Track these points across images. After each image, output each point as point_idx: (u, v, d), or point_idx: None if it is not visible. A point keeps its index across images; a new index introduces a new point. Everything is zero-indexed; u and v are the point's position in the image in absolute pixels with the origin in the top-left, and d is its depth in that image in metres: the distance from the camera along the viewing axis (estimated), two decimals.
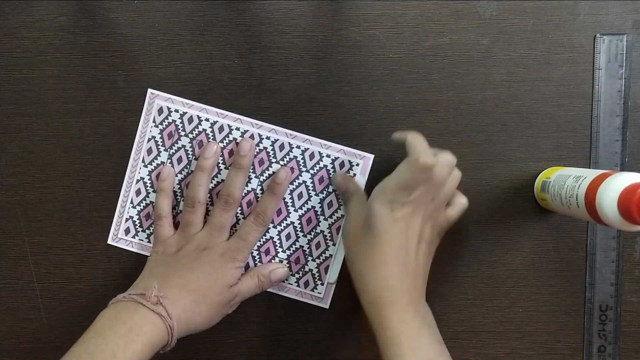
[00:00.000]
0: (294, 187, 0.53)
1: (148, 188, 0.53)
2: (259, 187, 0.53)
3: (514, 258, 0.53)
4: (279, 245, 0.53)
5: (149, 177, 0.53)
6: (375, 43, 0.52)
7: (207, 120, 0.52)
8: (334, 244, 0.53)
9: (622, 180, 0.40)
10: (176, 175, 0.53)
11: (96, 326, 0.44)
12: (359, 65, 0.52)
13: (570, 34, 0.52)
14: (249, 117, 0.52)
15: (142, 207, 0.53)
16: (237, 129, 0.52)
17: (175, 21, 0.52)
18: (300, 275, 0.53)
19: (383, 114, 0.53)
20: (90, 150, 0.53)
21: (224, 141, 0.53)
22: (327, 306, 0.53)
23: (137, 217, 0.53)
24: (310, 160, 0.52)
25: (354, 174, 0.52)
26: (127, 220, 0.53)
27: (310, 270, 0.53)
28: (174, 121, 0.53)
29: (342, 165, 0.52)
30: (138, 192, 0.53)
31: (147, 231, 0.53)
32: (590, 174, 0.43)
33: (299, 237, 0.53)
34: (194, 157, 0.53)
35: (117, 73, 0.53)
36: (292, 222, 0.53)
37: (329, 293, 0.53)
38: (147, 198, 0.53)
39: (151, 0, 0.52)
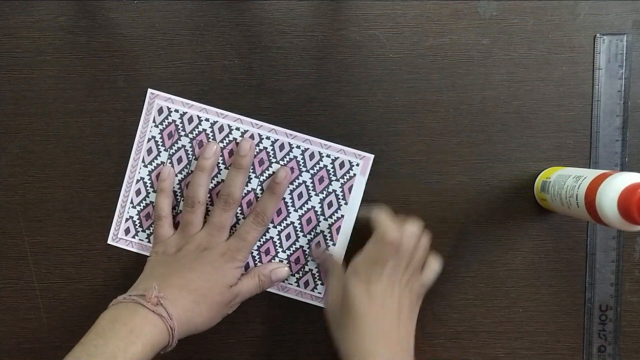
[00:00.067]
0: (294, 187, 0.53)
1: (148, 188, 0.53)
2: (259, 187, 0.53)
3: (514, 258, 0.53)
4: (279, 245, 0.53)
5: (149, 177, 0.53)
6: (375, 43, 0.52)
7: (207, 120, 0.52)
8: (333, 244, 0.53)
9: (622, 180, 0.40)
10: (176, 175, 0.53)
11: (97, 328, 0.44)
12: (359, 65, 0.52)
13: (570, 34, 0.52)
14: (249, 117, 0.52)
15: (142, 207, 0.53)
16: (237, 129, 0.52)
17: (175, 21, 0.52)
18: (300, 275, 0.53)
19: (383, 114, 0.53)
20: (90, 150, 0.53)
21: (224, 141, 0.53)
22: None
23: (137, 217, 0.53)
24: (310, 160, 0.52)
25: (354, 174, 0.52)
26: (127, 220, 0.53)
27: (310, 270, 0.53)
28: (174, 121, 0.53)
29: (342, 165, 0.52)
30: (138, 192, 0.53)
31: (147, 231, 0.53)
32: (590, 174, 0.43)
33: (299, 237, 0.53)
34: (194, 157, 0.53)
35: (117, 73, 0.53)
36: (292, 222, 0.53)
37: None
38: (147, 198, 0.53)
39: (151, 0, 0.52)
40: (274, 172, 0.52)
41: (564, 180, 0.46)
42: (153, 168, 0.53)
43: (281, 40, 0.52)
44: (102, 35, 0.52)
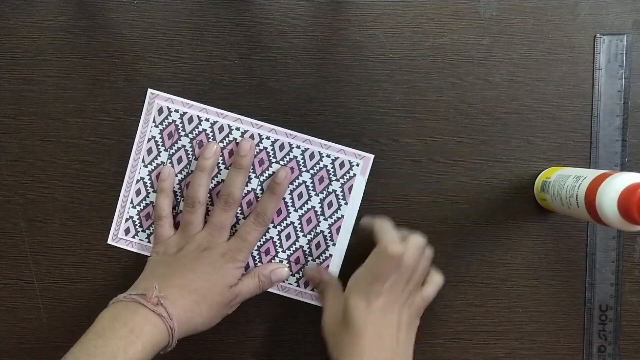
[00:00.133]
0: (294, 187, 0.53)
1: (148, 188, 0.53)
2: (259, 187, 0.53)
3: (514, 258, 0.53)
4: (279, 245, 0.53)
5: (149, 177, 0.53)
6: (375, 43, 0.52)
7: (207, 120, 0.52)
8: (334, 244, 0.53)
9: (622, 180, 0.40)
10: (176, 175, 0.53)
11: (96, 327, 0.44)
12: (359, 65, 0.52)
13: (570, 34, 0.52)
14: (249, 117, 0.52)
15: (142, 207, 0.53)
16: (237, 129, 0.52)
17: (175, 21, 0.52)
18: (300, 275, 0.53)
19: (383, 114, 0.53)
20: (90, 150, 0.53)
21: (224, 141, 0.53)
22: None
23: (137, 217, 0.53)
24: (310, 160, 0.52)
25: (354, 174, 0.52)
26: (127, 220, 0.53)
27: None
28: (174, 121, 0.53)
29: (342, 165, 0.52)
30: (138, 192, 0.53)
31: (147, 231, 0.53)
32: (590, 174, 0.43)
33: (299, 237, 0.53)
34: (194, 157, 0.53)
35: (117, 73, 0.53)
36: (292, 222, 0.53)
37: None
38: (147, 198, 0.53)
39: (151, 0, 0.52)
40: (274, 172, 0.52)
41: (564, 180, 0.46)
42: (153, 168, 0.53)
43: (281, 40, 0.52)
44: (102, 35, 0.52)
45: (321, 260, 0.53)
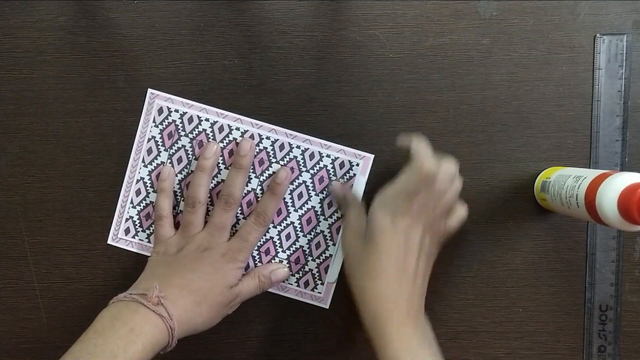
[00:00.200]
0: (294, 187, 0.53)
1: (148, 188, 0.53)
2: (259, 187, 0.53)
3: (514, 258, 0.53)
4: (279, 245, 0.53)
5: (149, 177, 0.53)
6: (375, 43, 0.52)
7: (207, 120, 0.52)
8: (334, 244, 0.53)
9: (622, 180, 0.40)
10: (176, 175, 0.53)
11: (96, 326, 0.44)
12: (359, 65, 0.52)
13: (570, 34, 0.52)
14: (249, 117, 0.52)
15: (142, 207, 0.53)
16: (237, 129, 0.52)
17: (175, 21, 0.52)
18: (300, 275, 0.53)
19: (383, 114, 0.53)
20: (90, 150, 0.53)
21: (224, 141, 0.53)
22: (327, 306, 0.53)
23: (137, 217, 0.53)
24: (310, 160, 0.52)
25: (354, 174, 0.52)
26: (127, 220, 0.53)
27: (310, 270, 0.53)
28: (174, 121, 0.53)
29: (342, 165, 0.52)
30: (138, 192, 0.53)
31: (147, 231, 0.53)
32: (590, 174, 0.43)
33: (299, 237, 0.53)
34: (194, 157, 0.53)
35: (117, 73, 0.53)
36: (292, 222, 0.53)
37: (329, 293, 0.53)
38: (147, 198, 0.53)
39: (151, 0, 0.52)
40: (274, 172, 0.52)
41: (564, 180, 0.46)
42: (153, 168, 0.53)
43: (281, 40, 0.52)
44: (102, 35, 0.52)
45: (321, 260, 0.53)
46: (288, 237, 0.53)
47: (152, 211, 0.53)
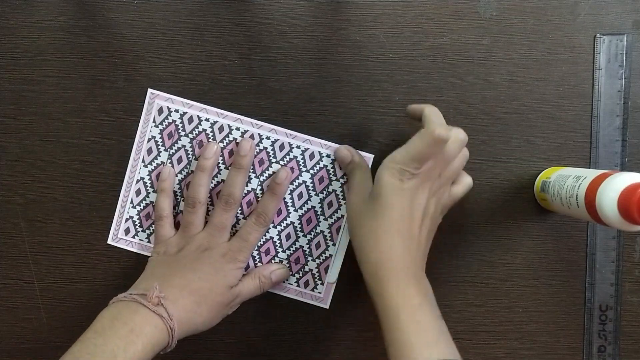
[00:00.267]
0: (294, 187, 0.53)
1: (148, 188, 0.53)
2: (259, 187, 0.53)
3: (514, 258, 0.53)
4: (279, 245, 0.53)
5: (149, 177, 0.53)
6: (375, 43, 0.52)
7: (207, 120, 0.52)
8: (334, 244, 0.53)
9: (622, 180, 0.40)
10: (176, 175, 0.53)
11: (96, 326, 0.44)
12: (359, 65, 0.52)
13: (570, 34, 0.52)
14: (249, 117, 0.52)
15: (142, 207, 0.53)
16: (237, 129, 0.52)
17: (175, 21, 0.52)
18: (300, 275, 0.53)
19: (383, 114, 0.53)
20: (90, 150, 0.53)
21: (224, 141, 0.53)
22: (327, 306, 0.53)
23: (137, 217, 0.53)
24: (310, 160, 0.52)
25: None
26: (127, 220, 0.53)
27: (310, 270, 0.53)
28: (174, 121, 0.53)
29: None
30: (138, 192, 0.53)
31: (147, 231, 0.53)
32: (590, 174, 0.43)
33: (299, 237, 0.53)
34: (194, 157, 0.53)
35: (117, 73, 0.53)
36: (292, 222, 0.53)
37: (329, 293, 0.53)
38: (147, 198, 0.53)
39: (151, 0, 0.52)
40: (274, 172, 0.52)
41: (564, 180, 0.46)
42: (153, 168, 0.53)
43: (281, 40, 0.52)
44: (102, 35, 0.52)
45: (321, 260, 0.53)
46: (288, 237, 0.53)
47: (152, 211, 0.53)
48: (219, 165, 0.53)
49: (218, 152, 0.52)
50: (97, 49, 0.53)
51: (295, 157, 0.52)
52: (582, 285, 0.53)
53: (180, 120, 0.53)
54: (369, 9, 0.52)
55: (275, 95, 0.53)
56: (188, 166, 0.53)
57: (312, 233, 0.53)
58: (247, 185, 0.52)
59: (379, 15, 0.52)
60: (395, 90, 0.52)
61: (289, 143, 0.52)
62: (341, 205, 0.53)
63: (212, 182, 0.52)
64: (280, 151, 0.52)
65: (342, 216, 0.53)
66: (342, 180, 0.52)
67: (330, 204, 0.53)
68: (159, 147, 0.53)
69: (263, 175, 0.53)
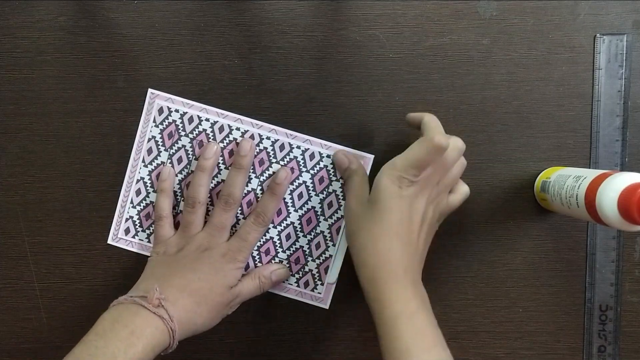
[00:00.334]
0: (294, 187, 0.53)
1: (148, 188, 0.53)
2: (259, 187, 0.53)
3: (514, 258, 0.53)
4: (279, 245, 0.53)
5: (149, 177, 0.53)
6: (375, 43, 0.52)
7: (207, 120, 0.52)
8: (334, 244, 0.53)
9: (622, 180, 0.40)
10: (176, 175, 0.53)
11: (97, 328, 0.44)
12: (359, 65, 0.52)
13: (570, 34, 0.52)
14: (249, 117, 0.52)
15: (142, 207, 0.53)
16: (237, 129, 0.52)
17: (175, 21, 0.52)
18: (300, 275, 0.53)
19: (383, 114, 0.53)
20: (90, 150, 0.53)
21: (224, 141, 0.53)
22: (327, 306, 0.53)
23: (137, 217, 0.53)
24: (311, 160, 0.52)
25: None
26: (127, 220, 0.53)
27: (310, 270, 0.53)
28: (174, 121, 0.53)
29: None
30: (138, 192, 0.53)
31: (147, 231, 0.53)
32: (590, 174, 0.43)
33: (299, 237, 0.53)
34: (194, 157, 0.53)
35: (117, 73, 0.53)
36: (292, 222, 0.53)
37: (329, 293, 0.53)
38: (147, 198, 0.53)
39: (151, 0, 0.52)
40: (274, 172, 0.52)
41: (564, 180, 0.46)
42: (153, 168, 0.53)
43: (281, 40, 0.52)
44: (102, 35, 0.52)
45: (321, 261, 0.53)
46: (288, 237, 0.53)
47: (152, 211, 0.53)
48: (219, 165, 0.53)
49: (218, 152, 0.52)
50: (97, 49, 0.53)
51: (296, 157, 0.52)
52: (582, 285, 0.53)
53: (181, 120, 0.53)
54: (369, 9, 0.52)
55: (275, 95, 0.53)
56: (188, 166, 0.53)
57: (312, 233, 0.53)
58: (247, 185, 0.52)
59: (379, 15, 0.52)
60: (395, 90, 0.52)
61: (289, 143, 0.52)
62: (341, 205, 0.53)
63: (212, 182, 0.52)
64: (281, 151, 0.52)
65: (342, 216, 0.53)
66: (342, 181, 0.52)
67: (330, 204, 0.53)
68: (159, 147, 0.53)
69: (263, 176, 0.53)
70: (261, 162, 0.52)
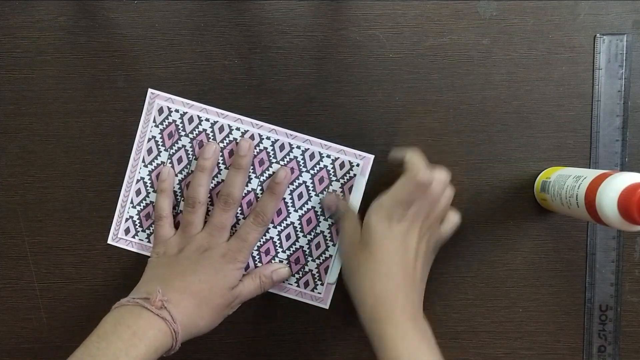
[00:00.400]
0: (294, 187, 0.53)
1: (148, 188, 0.53)
2: (259, 187, 0.53)
3: (514, 258, 0.53)
4: (279, 245, 0.53)
5: (149, 177, 0.53)
6: (375, 43, 0.52)
7: (207, 120, 0.52)
8: (334, 244, 0.53)
9: (622, 180, 0.40)
10: (176, 175, 0.53)
11: (99, 330, 0.44)
12: (359, 65, 0.52)
13: (570, 34, 0.52)
14: (249, 117, 0.52)
15: (142, 207, 0.53)
16: (238, 129, 0.52)
17: (175, 21, 0.52)
18: (300, 275, 0.53)
19: (383, 114, 0.53)
20: (90, 150, 0.53)
21: (224, 141, 0.52)
22: (327, 306, 0.53)
23: (137, 217, 0.53)
24: (311, 160, 0.52)
25: (354, 175, 0.52)
26: (127, 220, 0.53)
27: (310, 270, 0.53)
28: (174, 121, 0.53)
29: (342, 165, 0.52)
30: (138, 192, 0.53)
31: (147, 231, 0.53)
32: (590, 174, 0.43)
33: (299, 237, 0.53)
34: (194, 157, 0.53)
35: (117, 73, 0.53)
36: (292, 223, 0.53)
37: (329, 293, 0.53)
38: (147, 198, 0.53)
39: (151, 0, 0.52)
40: (274, 172, 0.52)
41: (564, 180, 0.46)
42: (153, 168, 0.53)
43: (281, 40, 0.52)
44: (102, 35, 0.52)
45: (321, 261, 0.53)
46: (288, 237, 0.53)
47: (152, 211, 0.53)
48: (219, 165, 0.53)
49: (217, 152, 0.52)
50: (97, 49, 0.52)
51: (296, 157, 0.52)
52: (582, 285, 0.53)
53: (181, 120, 0.53)
54: (369, 9, 0.52)
55: (275, 95, 0.53)
56: (188, 166, 0.53)
57: (312, 233, 0.53)
58: (247, 185, 0.52)
59: (379, 15, 0.52)
60: (395, 90, 0.52)
61: (289, 143, 0.52)
62: None
63: (212, 182, 0.52)
64: (281, 151, 0.52)
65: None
66: (342, 181, 0.52)
67: None
68: (159, 147, 0.53)
69: (263, 176, 0.53)
70: (261, 162, 0.52)
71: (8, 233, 0.53)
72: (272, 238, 0.53)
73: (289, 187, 0.52)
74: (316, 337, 0.54)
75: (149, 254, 0.52)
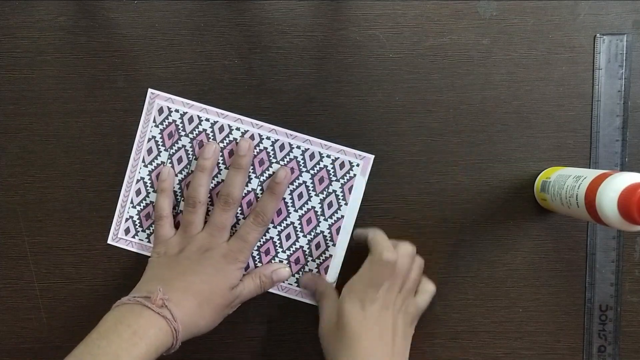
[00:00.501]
0: (294, 187, 0.53)
1: (148, 188, 0.53)
2: (259, 187, 0.53)
3: (514, 258, 0.53)
4: (279, 245, 0.53)
5: (149, 177, 0.53)
6: (375, 43, 0.52)
7: (207, 120, 0.52)
8: (333, 244, 0.53)
9: (622, 180, 0.40)
10: (176, 175, 0.53)
11: (100, 329, 0.44)
12: (359, 65, 0.52)
13: (570, 34, 0.52)
14: (249, 117, 0.52)
15: (142, 207, 0.53)
16: (238, 129, 0.52)
17: (175, 21, 0.52)
18: (301, 275, 0.53)
19: (383, 114, 0.53)
20: (90, 150, 0.53)
21: (224, 141, 0.53)
22: None
23: (137, 217, 0.53)
24: (311, 160, 0.52)
25: (354, 175, 0.52)
26: (127, 220, 0.53)
27: (311, 270, 0.53)
28: (174, 121, 0.53)
29: (342, 165, 0.52)
30: (138, 192, 0.53)
31: (147, 231, 0.53)
32: (590, 174, 0.43)
33: (299, 237, 0.53)
34: (194, 157, 0.53)
35: (117, 73, 0.53)
36: (292, 222, 0.53)
37: None
38: (147, 198, 0.53)
39: (151, 0, 0.52)
40: (274, 172, 0.52)
41: (564, 180, 0.46)
42: (153, 168, 0.53)
43: (281, 40, 0.52)
44: (102, 35, 0.52)
45: (321, 261, 0.53)
46: (288, 237, 0.53)
47: (152, 211, 0.53)
48: (219, 165, 0.53)
49: (217, 152, 0.52)
50: (97, 49, 0.53)
51: (296, 157, 0.52)
52: (582, 285, 0.53)
53: (181, 120, 0.53)
54: (369, 9, 0.52)
55: (275, 95, 0.53)
56: (188, 166, 0.53)
57: (312, 233, 0.53)
58: (247, 185, 0.52)
59: (379, 15, 0.52)
60: (395, 90, 0.52)
61: (289, 143, 0.52)
62: (341, 205, 0.53)
63: (212, 182, 0.52)
64: (281, 151, 0.52)
65: (342, 216, 0.53)
66: (342, 181, 0.52)
67: (330, 204, 0.53)
68: (159, 147, 0.53)
69: (263, 176, 0.53)
70: (261, 162, 0.52)
71: (8, 233, 0.53)
72: (272, 238, 0.53)
73: (289, 187, 0.52)
74: (316, 337, 0.54)
75: (149, 254, 0.52)
